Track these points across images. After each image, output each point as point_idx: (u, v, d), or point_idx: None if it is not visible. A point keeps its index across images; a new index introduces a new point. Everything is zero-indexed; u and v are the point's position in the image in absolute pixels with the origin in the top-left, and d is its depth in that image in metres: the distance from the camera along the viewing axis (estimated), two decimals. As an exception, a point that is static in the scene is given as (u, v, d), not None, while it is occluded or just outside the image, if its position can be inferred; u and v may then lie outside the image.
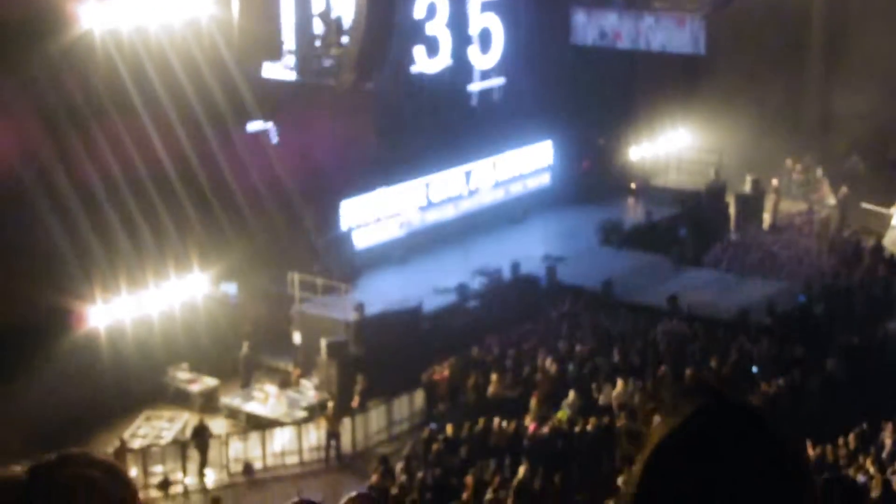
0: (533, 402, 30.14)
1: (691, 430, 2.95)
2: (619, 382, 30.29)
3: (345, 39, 36.05)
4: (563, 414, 29.51)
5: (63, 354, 30.62)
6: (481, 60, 45.11)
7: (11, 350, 29.36)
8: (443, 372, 32.13)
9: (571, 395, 30.07)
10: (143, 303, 32.76)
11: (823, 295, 36.76)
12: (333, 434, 30.73)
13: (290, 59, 37.38)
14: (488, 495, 25.17)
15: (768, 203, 46.05)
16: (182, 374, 33.55)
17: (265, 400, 32.17)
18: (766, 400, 29.09)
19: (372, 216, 39.94)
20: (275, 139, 37.66)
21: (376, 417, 32.03)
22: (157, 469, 29.60)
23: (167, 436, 31.02)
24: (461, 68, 44.44)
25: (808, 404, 29.77)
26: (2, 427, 28.24)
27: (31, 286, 29.84)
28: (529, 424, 28.90)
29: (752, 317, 35.07)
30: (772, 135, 47.38)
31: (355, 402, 31.76)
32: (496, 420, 28.93)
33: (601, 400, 30.41)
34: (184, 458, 29.65)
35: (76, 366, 30.70)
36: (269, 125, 37.45)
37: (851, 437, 26.93)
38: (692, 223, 44.03)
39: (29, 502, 3.37)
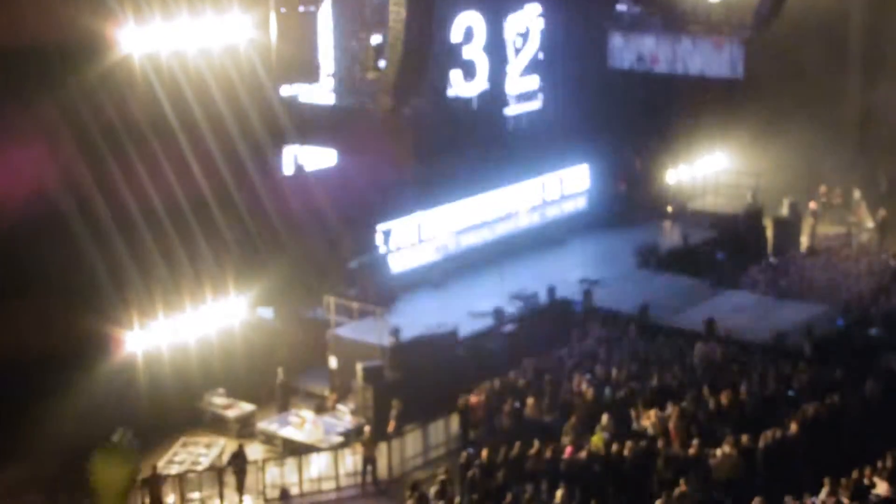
0: (569, 426, 30.01)
1: None
2: (653, 411, 30.11)
3: (382, 63, 36.06)
4: (598, 438, 29.37)
5: (100, 380, 30.77)
6: (518, 84, 45.07)
7: (49, 375, 29.52)
8: (479, 396, 32.04)
9: (605, 419, 29.92)
10: (180, 328, 32.85)
11: (862, 319, 36.52)
12: (369, 459, 30.69)
13: (327, 83, 37.48)
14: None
15: (806, 226, 45.86)
16: (218, 400, 33.63)
17: (301, 425, 32.18)
18: (805, 422, 28.97)
19: (408, 240, 39.96)
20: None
21: (412, 442, 31.95)
22: (195, 495, 29.59)
23: (204, 461, 31.03)
24: (498, 92, 44.45)
25: (846, 427, 29.57)
26: (39, 452, 28.39)
27: (69, 311, 29.99)
28: (566, 449, 28.75)
29: (790, 340, 34.91)
30: (810, 158, 47.17)
31: (391, 427, 31.71)
32: (534, 444, 28.79)
33: (637, 425, 30.22)
34: (221, 484, 29.64)
35: (113, 391, 30.86)
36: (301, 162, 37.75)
37: (889, 459, 26.74)
38: (729, 246, 43.87)
39: None
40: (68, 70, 30.73)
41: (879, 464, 26.71)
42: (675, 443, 28.76)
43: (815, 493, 25.73)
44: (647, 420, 30.06)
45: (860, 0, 50.28)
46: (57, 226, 30.79)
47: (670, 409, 30.10)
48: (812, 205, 46.40)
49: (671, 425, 29.60)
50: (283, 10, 35.68)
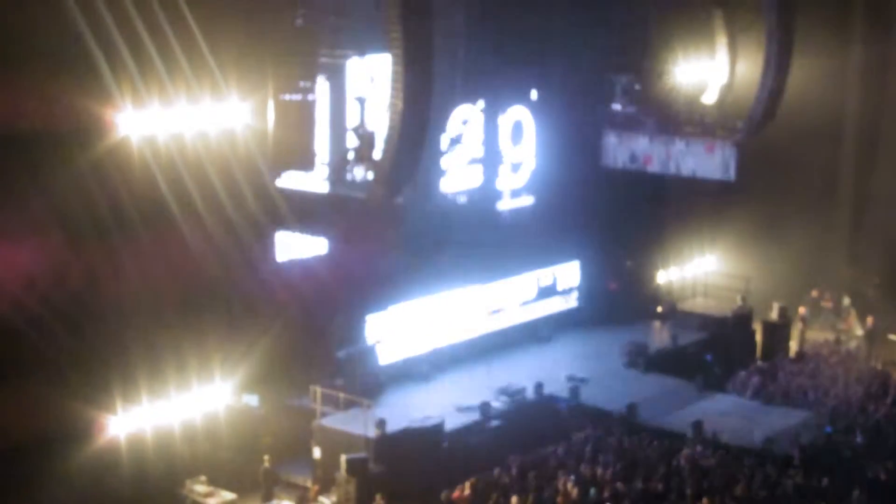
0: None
1: None
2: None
3: (377, 154, 36.16)
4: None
5: (83, 463, 30.46)
6: (511, 179, 45.18)
7: (31, 459, 29.23)
8: (463, 492, 31.78)
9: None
10: (164, 412, 32.60)
11: (850, 427, 36.39)
12: (350, 553, 30.41)
13: (322, 171, 37.56)
14: None
15: (795, 331, 45.86)
16: (200, 487, 33.21)
17: (282, 516, 31.90)
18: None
19: (397, 331, 39.80)
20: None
21: (394, 537, 31.67)
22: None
23: (182, 552, 30.72)
24: (491, 186, 44.51)
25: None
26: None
27: (53, 395, 29.75)
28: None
29: (777, 446, 34.77)
30: (800, 262, 47.24)
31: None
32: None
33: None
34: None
35: (96, 475, 30.53)
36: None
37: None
38: (718, 349, 43.83)
39: None
40: (61, 160, 30.62)
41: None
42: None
43: None
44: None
45: (856, 106, 50.59)
46: (41, 310, 30.61)
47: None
48: (801, 310, 46.42)
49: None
50: (282, 97, 35.76)
